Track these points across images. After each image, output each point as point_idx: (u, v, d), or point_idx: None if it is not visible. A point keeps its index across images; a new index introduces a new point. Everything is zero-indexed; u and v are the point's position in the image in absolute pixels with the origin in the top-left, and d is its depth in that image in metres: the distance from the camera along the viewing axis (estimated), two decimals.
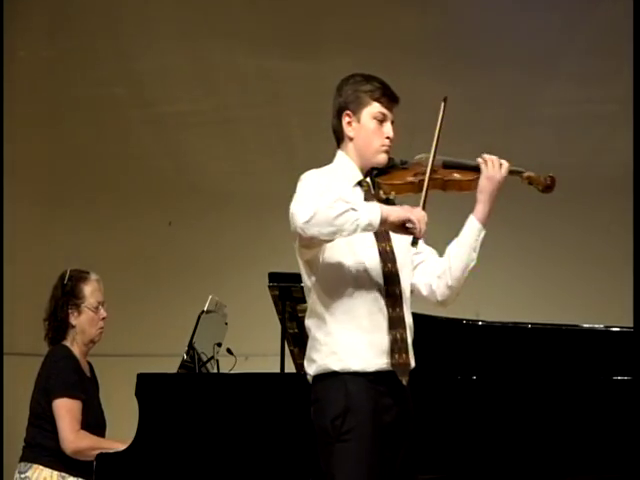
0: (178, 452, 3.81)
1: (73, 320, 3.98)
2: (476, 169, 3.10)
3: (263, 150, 7.06)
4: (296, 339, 4.32)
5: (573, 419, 3.98)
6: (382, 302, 2.96)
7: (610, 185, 7.09)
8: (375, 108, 3.06)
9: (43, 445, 3.87)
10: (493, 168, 3.06)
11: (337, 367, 2.92)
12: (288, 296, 4.15)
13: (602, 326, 4.36)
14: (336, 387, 2.91)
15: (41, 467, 3.84)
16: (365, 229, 2.85)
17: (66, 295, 3.99)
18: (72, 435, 3.83)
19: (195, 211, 7.46)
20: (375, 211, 2.85)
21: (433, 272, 3.08)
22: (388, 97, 3.07)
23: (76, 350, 3.99)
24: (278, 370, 4.15)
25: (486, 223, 3.07)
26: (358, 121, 3.06)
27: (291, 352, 4.38)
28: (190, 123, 6.85)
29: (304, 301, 4.06)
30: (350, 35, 6.03)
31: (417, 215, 2.90)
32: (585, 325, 4.39)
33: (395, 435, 2.93)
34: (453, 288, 3.08)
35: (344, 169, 3.07)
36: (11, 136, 6.11)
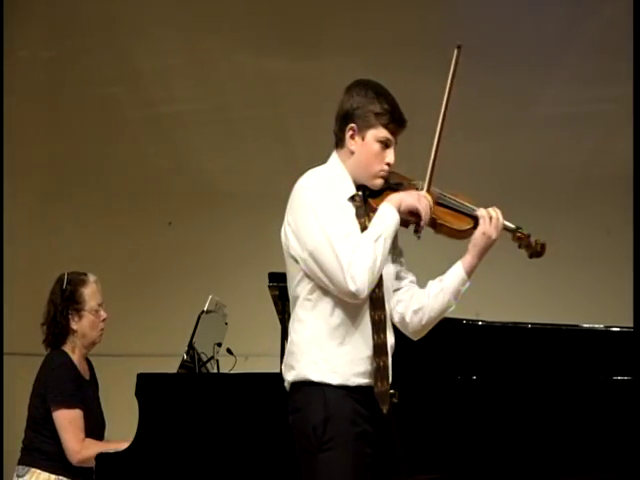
0: (178, 452, 3.81)
1: (74, 325, 3.96)
2: (471, 217, 3.04)
3: (263, 150, 7.06)
4: None
5: (573, 419, 3.98)
6: (368, 327, 2.94)
7: (610, 185, 7.09)
8: (381, 133, 3.00)
9: (41, 449, 3.85)
10: (490, 225, 3.01)
11: (316, 378, 2.91)
12: (288, 296, 4.14)
13: (602, 326, 4.36)
14: (315, 395, 2.90)
15: (39, 471, 3.83)
16: (394, 234, 2.95)
17: (66, 301, 3.96)
18: (78, 446, 3.82)
19: (195, 211, 7.45)
20: (391, 213, 2.92)
21: (409, 305, 3.05)
22: (396, 123, 3.02)
23: (76, 354, 3.97)
24: (278, 370, 4.14)
25: (471, 275, 3.02)
26: (362, 139, 3.01)
27: None
28: (190, 123, 6.85)
29: None
30: (350, 35, 6.04)
31: (424, 206, 2.94)
32: (585, 325, 4.38)
33: (376, 443, 2.91)
34: (426, 326, 3.07)
35: (337, 181, 3.02)
36: (11, 136, 6.11)
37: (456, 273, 3.02)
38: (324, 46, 6.14)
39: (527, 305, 6.54)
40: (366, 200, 3.03)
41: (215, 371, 4.50)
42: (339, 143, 3.07)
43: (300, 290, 2.99)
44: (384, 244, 2.89)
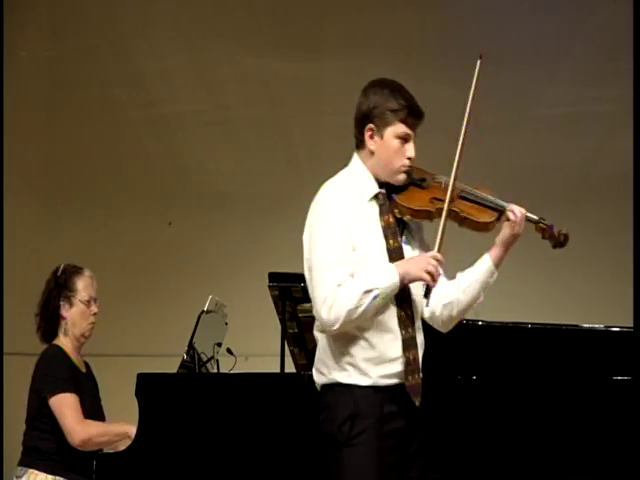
0: (178, 452, 3.81)
1: (64, 312, 3.95)
2: (496, 210, 3.04)
3: (263, 150, 7.05)
4: (296, 339, 4.32)
5: (573, 419, 3.98)
6: (395, 323, 2.95)
7: (610, 185, 7.09)
8: (399, 129, 3.00)
9: (39, 448, 3.83)
10: (520, 227, 3.02)
11: (345, 382, 2.93)
12: (288, 296, 4.15)
13: (602, 326, 4.36)
14: (344, 394, 2.92)
15: (36, 472, 3.81)
16: (387, 299, 2.89)
17: (58, 286, 3.97)
18: (78, 426, 3.79)
19: (195, 211, 7.45)
20: (394, 278, 2.87)
21: (439, 299, 3.05)
22: (414, 116, 3.02)
23: (68, 344, 3.95)
24: (278, 370, 4.15)
25: (499, 267, 3.06)
26: (381, 137, 3.01)
27: (291, 352, 4.38)
28: (190, 123, 6.86)
29: (304, 301, 4.08)
30: (351, 36, 6.05)
31: (432, 271, 2.88)
32: (585, 325, 4.38)
33: (403, 442, 2.94)
34: (454, 319, 3.10)
35: (359, 181, 3.03)
36: (11, 136, 6.12)
37: (485, 265, 3.05)
38: (324, 47, 6.15)
39: (527, 305, 6.54)
40: (390, 196, 3.03)
41: (215, 371, 4.50)
42: (359, 144, 3.07)
43: None
44: (373, 302, 2.86)
